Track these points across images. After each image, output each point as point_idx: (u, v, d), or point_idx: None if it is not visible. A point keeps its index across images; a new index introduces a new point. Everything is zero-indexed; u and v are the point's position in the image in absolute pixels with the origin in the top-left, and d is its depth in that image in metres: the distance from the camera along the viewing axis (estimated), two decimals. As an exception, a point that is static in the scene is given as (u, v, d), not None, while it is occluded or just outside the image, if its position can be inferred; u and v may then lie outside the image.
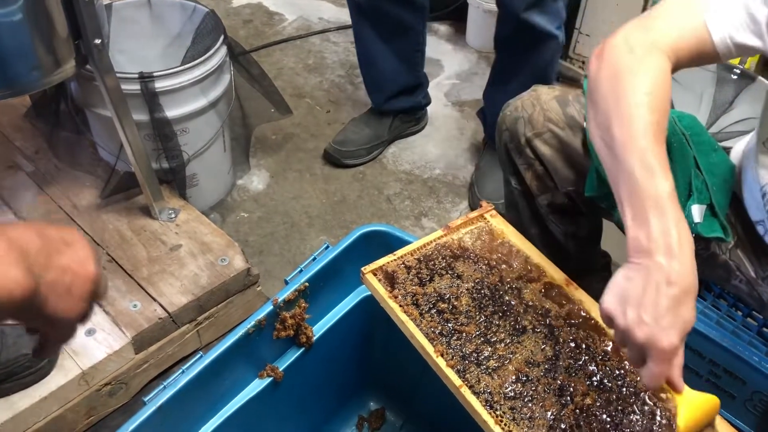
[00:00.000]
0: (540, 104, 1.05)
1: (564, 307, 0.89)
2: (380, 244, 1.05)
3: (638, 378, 0.81)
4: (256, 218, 1.64)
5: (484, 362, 0.83)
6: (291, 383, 1.02)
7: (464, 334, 0.86)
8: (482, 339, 0.86)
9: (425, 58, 1.85)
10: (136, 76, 1.33)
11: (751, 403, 1.07)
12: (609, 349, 0.85)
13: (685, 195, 0.98)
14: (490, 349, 0.85)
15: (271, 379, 0.98)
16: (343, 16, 2.41)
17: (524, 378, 0.81)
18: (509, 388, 0.81)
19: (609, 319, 0.71)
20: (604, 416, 0.78)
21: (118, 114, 1.23)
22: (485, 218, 1.02)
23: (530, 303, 0.90)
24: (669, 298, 0.67)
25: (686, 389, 0.72)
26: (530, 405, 0.79)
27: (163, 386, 0.86)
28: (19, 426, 1.08)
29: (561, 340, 0.85)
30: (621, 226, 1.11)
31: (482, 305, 0.89)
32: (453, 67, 2.25)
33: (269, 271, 1.50)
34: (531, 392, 0.80)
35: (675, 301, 0.67)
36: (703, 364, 1.10)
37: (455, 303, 0.89)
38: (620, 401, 0.79)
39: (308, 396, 1.08)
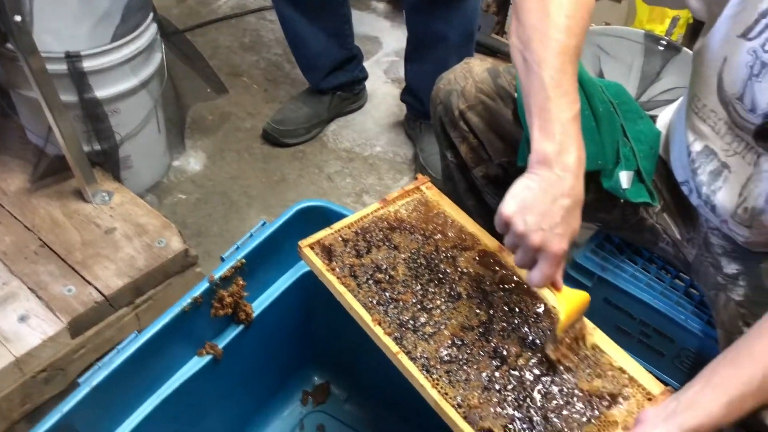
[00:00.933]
0: (472, 76, 1.06)
1: (497, 273, 0.91)
2: (318, 219, 1.05)
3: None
4: (194, 200, 1.62)
5: (421, 329, 0.84)
6: (231, 361, 1.01)
7: (401, 303, 0.87)
8: (418, 307, 0.87)
9: (357, 33, 1.84)
10: (62, 55, 1.29)
11: (678, 360, 1.11)
12: (541, 311, 0.87)
13: (613, 162, 1.01)
14: (426, 316, 0.86)
15: (210, 356, 0.97)
16: (280, -7, 2.37)
17: (459, 342, 0.83)
18: (445, 353, 0.82)
19: (505, 225, 0.76)
20: (537, 372, 0.81)
21: (45, 95, 1.19)
22: (421, 190, 1.03)
23: (465, 270, 0.92)
24: (563, 208, 0.74)
25: (564, 287, 0.80)
26: (465, 368, 0.81)
27: (97, 367, 0.85)
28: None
29: (494, 304, 0.87)
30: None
31: (418, 274, 0.91)
32: (391, 44, 2.25)
33: (208, 252, 1.49)
34: (466, 356, 0.82)
35: (567, 212, 0.74)
36: (634, 325, 1.14)
37: (392, 273, 0.90)
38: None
39: (250, 373, 1.08)
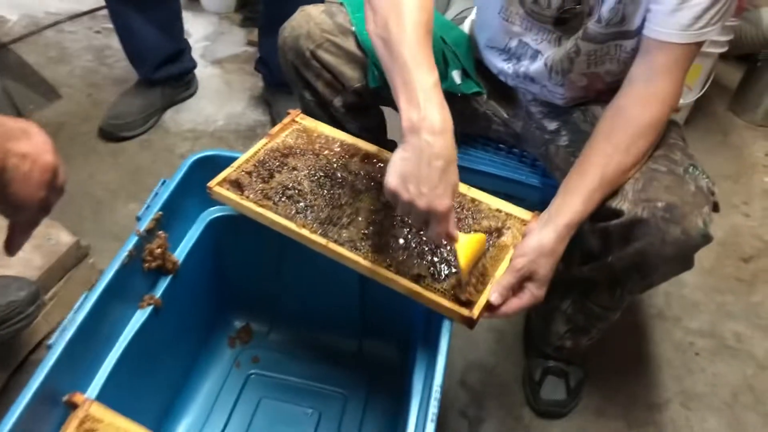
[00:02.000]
0: (312, 20, 1.22)
1: (384, 166, 1.10)
2: (212, 168, 1.15)
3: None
4: (59, 204, 1.62)
5: (339, 221, 1.01)
6: (168, 310, 1.10)
7: (315, 207, 1.03)
8: (331, 206, 1.03)
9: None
10: None
11: (529, 215, 1.38)
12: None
13: (443, 65, 1.23)
14: (339, 211, 1.02)
15: (151, 307, 1.06)
16: (71, 5, 2.35)
17: (372, 221, 1.01)
18: (364, 232, 0.99)
19: (394, 196, 0.83)
20: None
21: None
22: (297, 121, 1.18)
23: (357, 171, 1.09)
24: (438, 169, 0.80)
25: (461, 235, 0.90)
26: (384, 238, 0.99)
27: (62, 328, 0.91)
28: None
29: None
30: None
31: (321, 183, 1.06)
32: (199, 31, 2.33)
33: (93, 247, 1.51)
34: (380, 229, 1.00)
35: (443, 171, 0.81)
36: (489, 197, 1.38)
37: (299, 188, 1.05)
38: None
39: (184, 321, 1.17)
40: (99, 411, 0.90)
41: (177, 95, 1.99)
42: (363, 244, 0.98)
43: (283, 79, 1.93)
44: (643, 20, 1.00)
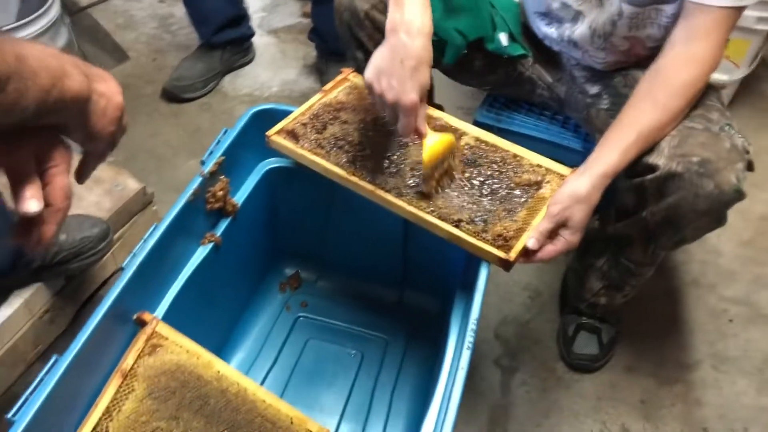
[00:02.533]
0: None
1: (430, 122, 1.16)
2: (270, 120, 1.23)
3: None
4: (122, 159, 1.74)
5: (386, 170, 1.08)
6: (226, 249, 1.19)
7: (364, 157, 1.10)
8: (379, 156, 1.10)
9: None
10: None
11: (568, 178, 1.42)
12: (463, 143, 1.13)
13: (491, 29, 1.29)
14: (387, 161, 1.09)
15: (212, 244, 1.15)
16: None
17: (417, 171, 1.07)
18: (409, 180, 1.06)
19: (369, 88, 0.93)
20: (481, 179, 1.07)
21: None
22: (349, 79, 1.26)
23: None
24: (409, 68, 0.89)
25: (429, 133, 0.99)
26: (425, 186, 1.05)
27: (132, 254, 1.00)
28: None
29: None
30: (447, 73, 1.40)
31: (369, 136, 1.14)
32: (256, 3, 2.42)
33: (155, 198, 1.62)
34: (424, 179, 1.06)
35: (413, 70, 0.89)
36: (531, 160, 1.43)
37: (350, 139, 1.13)
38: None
39: (240, 261, 1.26)
40: (165, 329, 1.00)
41: (235, 61, 2.08)
42: (407, 191, 1.05)
43: (335, 48, 2.01)
44: None
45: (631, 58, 1.22)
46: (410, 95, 0.90)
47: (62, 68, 0.56)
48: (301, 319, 1.37)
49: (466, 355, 0.89)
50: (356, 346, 1.33)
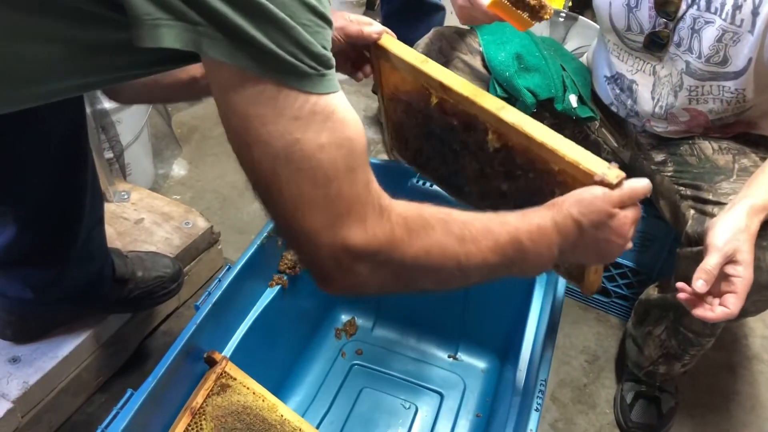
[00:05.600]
0: (445, 38, 1.33)
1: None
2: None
3: None
4: (189, 198, 1.79)
5: None
6: (291, 291, 1.21)
7: None
8: None
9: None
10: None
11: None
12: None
13: (561, 89, 1.31)
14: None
15: (279, 287, 1.17)
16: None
17: None
18: None
19: None
20: None
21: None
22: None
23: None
24: None
25: None
26: None
27: (207, 293, 1.03)
28: (46, 387, 1.18)
29: None
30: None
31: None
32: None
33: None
34: None
35: None
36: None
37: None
38: None
39: (302, 305, 1.28)
40: (233, 370, 1.02)
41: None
42: None
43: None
44: (748, 62, 1.05)
45: (694, 129, 1.23)
46: None
47: None
48: (356, 366, 1.37)
49: (534, 417, 0.89)
50: (410, 398, 1.32)
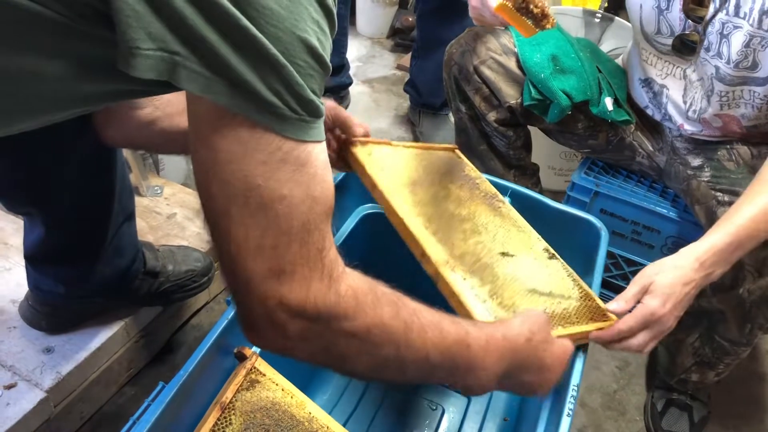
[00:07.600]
0: (479, 38, 1.32)
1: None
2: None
3: None
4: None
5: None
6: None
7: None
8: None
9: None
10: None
11: (666, 248, 1.40)
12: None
13: (597, 92, 1.29)
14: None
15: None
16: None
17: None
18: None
19: None
20: None
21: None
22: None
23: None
24: None
25: None
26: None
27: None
28: (79, 378, 1.19)
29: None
30: (548, 132, 1.42)
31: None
32: (353, 53, 2.50)
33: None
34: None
35: None
36: (627, 226, 1.42)
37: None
38: None
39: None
40: (263, 365, 1.02)
41: (332, 107, 2.14)
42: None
43: (428, 101, 2.05)
44: None
45: (728, 134, 1.21)
46: None
47: None
48: (384, 366, 1.37)
49: (566, 422, 0.87)
50: (437, 399, 1.31)
